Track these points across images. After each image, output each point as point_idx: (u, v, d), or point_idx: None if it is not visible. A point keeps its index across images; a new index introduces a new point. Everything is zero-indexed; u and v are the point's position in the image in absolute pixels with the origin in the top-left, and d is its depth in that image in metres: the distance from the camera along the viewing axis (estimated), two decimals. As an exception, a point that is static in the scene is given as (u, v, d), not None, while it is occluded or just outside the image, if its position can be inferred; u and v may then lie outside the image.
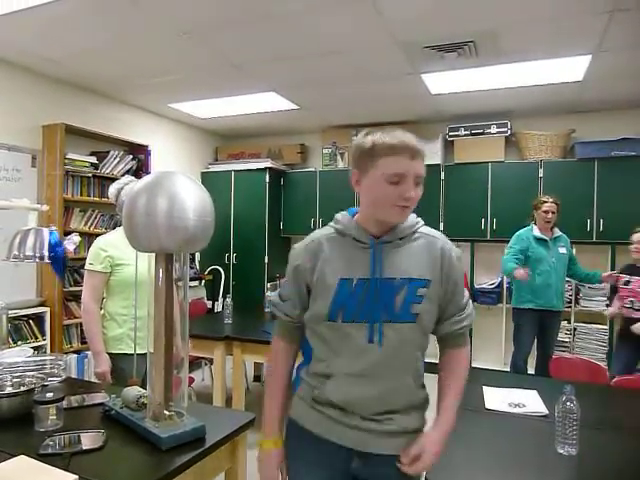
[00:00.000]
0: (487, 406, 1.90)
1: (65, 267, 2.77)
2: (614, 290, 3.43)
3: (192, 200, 1.35)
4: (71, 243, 2.80)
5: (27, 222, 2.13)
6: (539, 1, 2.51)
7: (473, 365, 4.65)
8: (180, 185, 1.36)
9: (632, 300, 3.17)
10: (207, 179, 5.47)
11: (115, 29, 2.92)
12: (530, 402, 1.94)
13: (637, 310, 3.14)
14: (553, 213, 3.62)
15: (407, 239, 1.21)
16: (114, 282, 2.30)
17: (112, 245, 2.29)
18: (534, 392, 2.06)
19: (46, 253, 2.03)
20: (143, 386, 1.67)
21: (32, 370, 1.80)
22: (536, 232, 3.67)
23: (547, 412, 1.81)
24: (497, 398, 1.98)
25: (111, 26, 2.87)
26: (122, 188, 2.36)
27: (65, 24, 2.85)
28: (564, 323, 4.25)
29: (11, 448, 1.32)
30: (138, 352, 2.18)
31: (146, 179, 1.39)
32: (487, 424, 1.77)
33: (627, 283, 3.23)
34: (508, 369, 3.86)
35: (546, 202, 3.65)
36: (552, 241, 3.68)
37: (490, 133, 4.68)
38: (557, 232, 3.73)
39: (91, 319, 2.27)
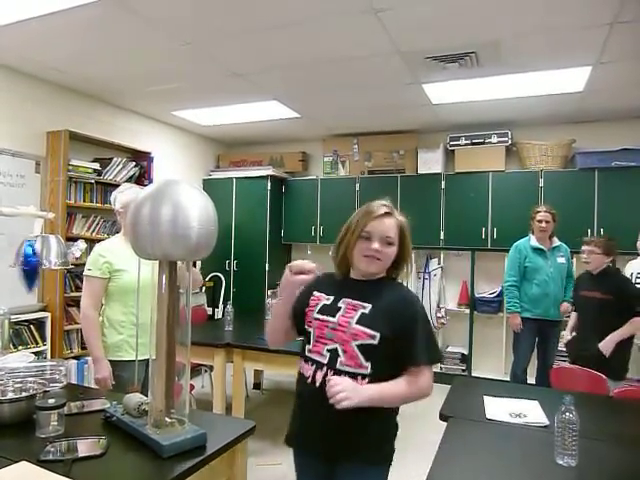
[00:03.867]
0: (488, 416, 1.90)
1: (35, 279, 2.70)
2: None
3: (196, 209, 1.36)
4: (77, 250, 2.81)
5: (32, 229, 2.13)
6: (540, 13, 2.54)
7: (474, 374, 4.65)
8: (184, 194, 1.37)
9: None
10: (209, 186, 5.49)
11: (118, 38, 2.95)
12: (531, 412, 1.94)
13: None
14: (547, 222, 3.63)
15: None
16: (113, 288, 2.30)
17: (111, 251, 2.30)
18: (535, 402, 2.06)
19: (54, 260, 2.03)
20: (142, 393, 1.67)
21: (33, 376, 1.79)
22: (533, 242, 3.69)
23: (548, 422, 1.81)
24: (498, 408, 1.98)
25: (114, 35, 2.91)
26: (116, 196, 2.39)
27: (69, 33, 2.88)
28: (564, 333, 4.24)
29: (12, 454, 1.32)
30: (138, 359, 2.18)
31: (151, 188, 1.41)
32: (488, 434, 1.76)
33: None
34: (509, 379, 3.85)
35: (540, 212, 3.67)
36: (550, 251, 3.69)
37: (491, 143, 4.70)
38: (556, 242, 3.74)
39: (90, 325, 2.27)
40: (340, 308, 1.48)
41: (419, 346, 1.42)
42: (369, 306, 1.45)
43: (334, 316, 1.47)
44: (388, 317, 1.43)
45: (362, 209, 1.53)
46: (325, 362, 1.44)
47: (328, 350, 1.44)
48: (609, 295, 2.96)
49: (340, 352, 1.42)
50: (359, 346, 1.41)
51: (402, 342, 1.42)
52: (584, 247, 3.17)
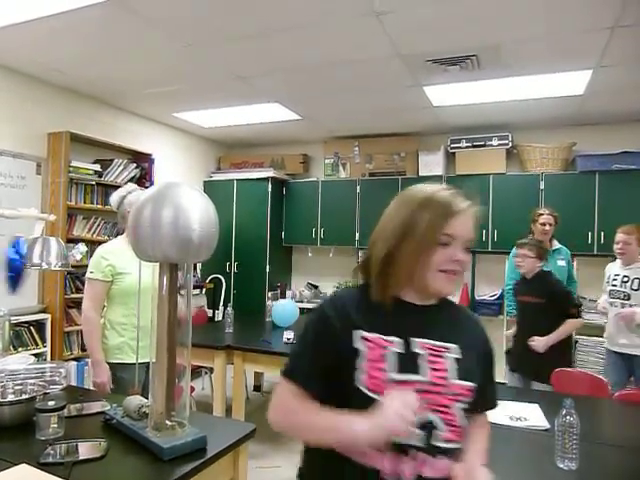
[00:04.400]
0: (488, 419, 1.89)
1: (19, 282, 2.67)
2: None
3: (197, 211, 1.36)
4: (77, 253, 2.82)
5: (33, 230, 2.14)
6: (541, 17, 2.54)
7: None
8: (185, 196, 1.37)
9: None
10: (210, 188, 5.49)
11: (120, 40, 2.95)
12: (531, 416, 1.93)
13: None
14: (550, 225, 3.62)
15: None
16: (115, 291, 2.29)
17: (114, 254, 2.29)
18: (536, 406, 2.05)
19: (53, 261, 2.03)
20: (143, 395, 1.67)
21: (34, 378, 1.79)
22: None
23: (548, 426, 1.80)
24: (498, 411, 1.97)
25: (116, 37, 2.91)
26: (125, 197, 2.37)
27: (71, 35, 2.89)
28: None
29: (12, 456, 1.32)
30: (138, 361, 2.17)
31: (152, 190, 1.41)
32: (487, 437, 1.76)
33: None
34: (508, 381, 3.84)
35: (542, 214, 3.65)
36: (551, 254, 3.67)
37: (491, 145, 4.70)
38: (556, 244, 3.73)
39: (91, 328, 2.27)
40: (419, 356, 0.96)
41: (496, 386, 1.15)
42: (454, 347, 0.99)
43: (418, 372, 0.95)
44: (478, 359, 1.04)
45: (423, 200, 1.00)
46: (421, 445, 0.92)
47: (421, 425, 0.92)
48: (541, 298, 2.91)
49: (439, 424, 0.94)
50: (463, 410, 0.97)
51: (485, 387, 1.06)
52: (518, 251, 3.11)
